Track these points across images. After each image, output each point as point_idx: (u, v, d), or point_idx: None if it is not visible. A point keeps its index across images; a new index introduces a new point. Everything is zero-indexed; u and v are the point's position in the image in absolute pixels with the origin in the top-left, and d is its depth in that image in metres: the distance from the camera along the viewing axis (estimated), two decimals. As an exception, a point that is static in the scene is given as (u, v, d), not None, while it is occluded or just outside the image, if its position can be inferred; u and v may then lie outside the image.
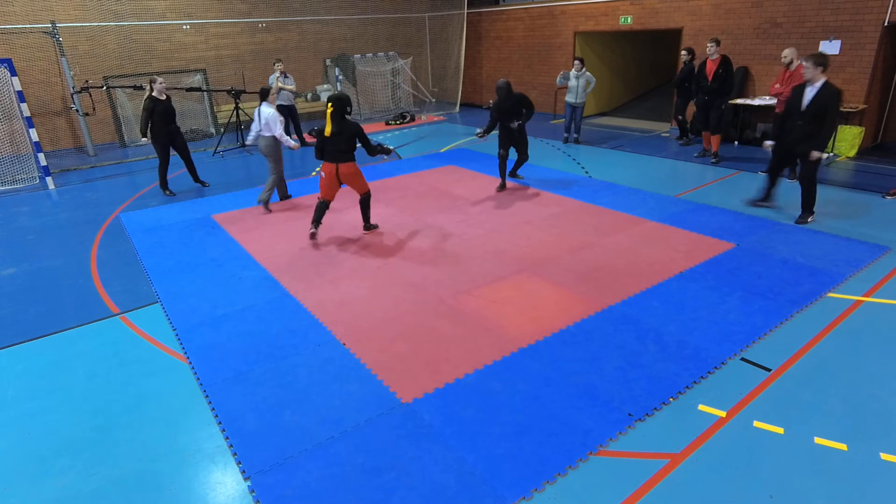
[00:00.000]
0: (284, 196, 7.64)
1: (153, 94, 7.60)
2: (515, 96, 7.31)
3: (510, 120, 7.33)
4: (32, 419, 3.42)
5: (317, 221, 6.03)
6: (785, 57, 7.32)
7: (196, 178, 8.42)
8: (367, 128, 12.92)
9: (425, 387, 3.51)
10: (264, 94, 6.99)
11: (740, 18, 9.80)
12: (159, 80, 7.67)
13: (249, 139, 7.26)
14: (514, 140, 7.52)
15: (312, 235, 6.04)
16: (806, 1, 8.89)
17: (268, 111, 6.86)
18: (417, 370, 3.70)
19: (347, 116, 5.76)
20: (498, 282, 4.92)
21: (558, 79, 10.52)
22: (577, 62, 9.88)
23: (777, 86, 7.46)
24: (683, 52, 9.55)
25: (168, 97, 7.82)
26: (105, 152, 11.41)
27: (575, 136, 10.45)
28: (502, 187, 7.70)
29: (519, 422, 3.18)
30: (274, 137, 6.97)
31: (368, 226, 6.30)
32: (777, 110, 7.60)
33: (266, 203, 7.15)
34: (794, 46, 9.05)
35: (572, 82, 9.97)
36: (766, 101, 9.28)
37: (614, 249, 5.50)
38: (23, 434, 3.30)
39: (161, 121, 7.68)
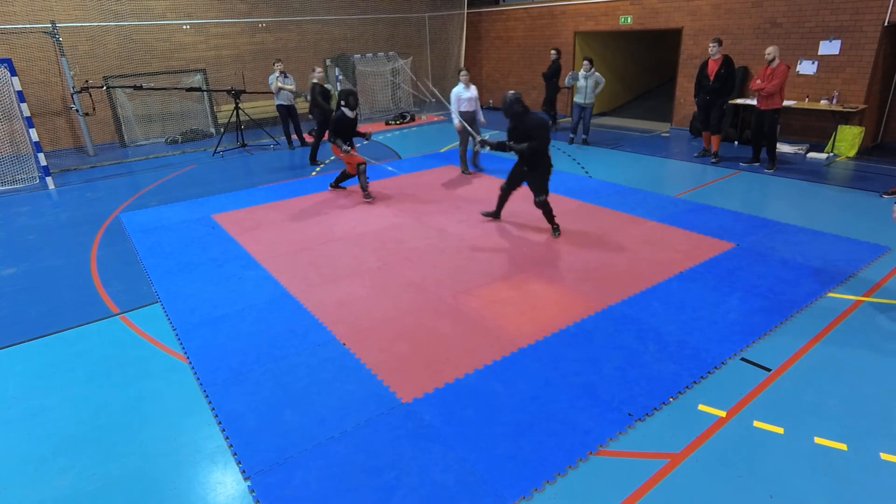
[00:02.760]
0: (474, 167, 8.84)
1: (318, 81, 9.37)
2: (526, 121, 5.47)
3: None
4: (32, 419, 3.42)
5: (362, 188, 7.42)
6: (769, 54, 7.67)
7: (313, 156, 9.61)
8: (368, 128, 12.92)
9: (425, 387, 3.51)
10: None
11: (740, 18, 9.80)
12: (318, 69, 9.59)
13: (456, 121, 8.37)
14: (524, 175, 5.84)
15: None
16: (806, 1, 8.89)
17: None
18: (417, 370, 3.69)
19: (344, 108, 7.07)
20: (498, 282, 4.92)
21: (566, 80, 10.51)
22: (585, 62, 9.85)
23: (758, 81, 7.80)
24: (553, 52, 11.54)
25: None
26: (105, 152, 11.41)
27: (583, 136, 10.40)
28: (492, 215, 6.42)
29: (519, 422, 3.18)
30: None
31: (335, 183, 7.85)
32: (758, 105, 7.96)
33: (474, 156, 8.75)
34: (794, 46, 9.12)
35: (581, 83, 9.94)
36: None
37: (614, 249, 5.49)
38: (23, 434, 3.30)
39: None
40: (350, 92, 7.10)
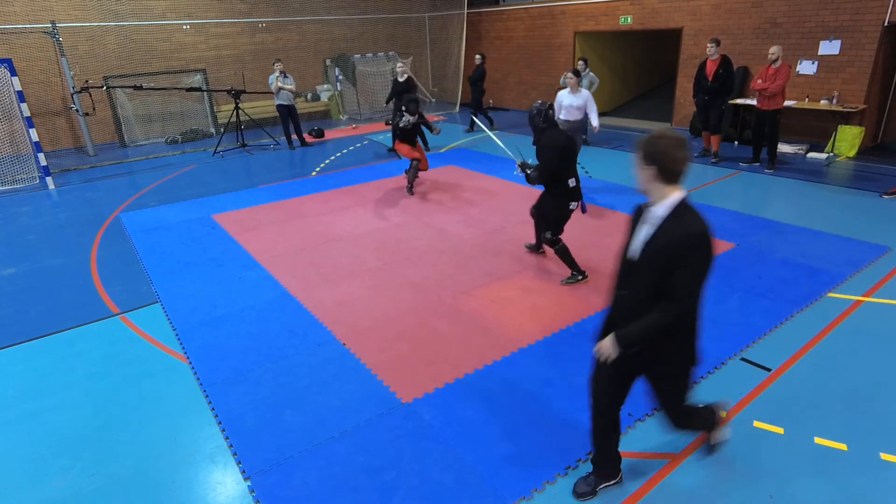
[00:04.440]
0: None
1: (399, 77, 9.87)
2: (542, 139, 4.59)
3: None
4: (32, 419, 3.42)
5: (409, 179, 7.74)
6: (773, 54, 7.69)
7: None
8: (368, 127, 12.98)
9: (425, 387, 3.51)
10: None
11: (740, 18, 9.80)
12: (400, 62, 10.34)
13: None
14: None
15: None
16: (806, 1, 8.89)
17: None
18: (417, 370, 3.69)
19: (405, 114, 7.34)
20: (498, 282, 4.92)
21: (562, 79, 10.50)
22: (580, 62, 9.86)
23: (759, 81, 7.84)
24: (477, 57, 11.77)
25: (408, 78, 10.20)
26: (105, 152, 11.41)
27: (583, 136, 10.38)
28: (533, 248, 5.55)
29: (519, 422, 3.18)
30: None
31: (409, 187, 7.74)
32: (758, 105, 7.98)
33: None
34: (794, 46, 9.12)
35: None
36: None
37: (614, 249, 5.49)
38: (23, 434, 3.30)
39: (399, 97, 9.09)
40: (412, 99, 7.49)
